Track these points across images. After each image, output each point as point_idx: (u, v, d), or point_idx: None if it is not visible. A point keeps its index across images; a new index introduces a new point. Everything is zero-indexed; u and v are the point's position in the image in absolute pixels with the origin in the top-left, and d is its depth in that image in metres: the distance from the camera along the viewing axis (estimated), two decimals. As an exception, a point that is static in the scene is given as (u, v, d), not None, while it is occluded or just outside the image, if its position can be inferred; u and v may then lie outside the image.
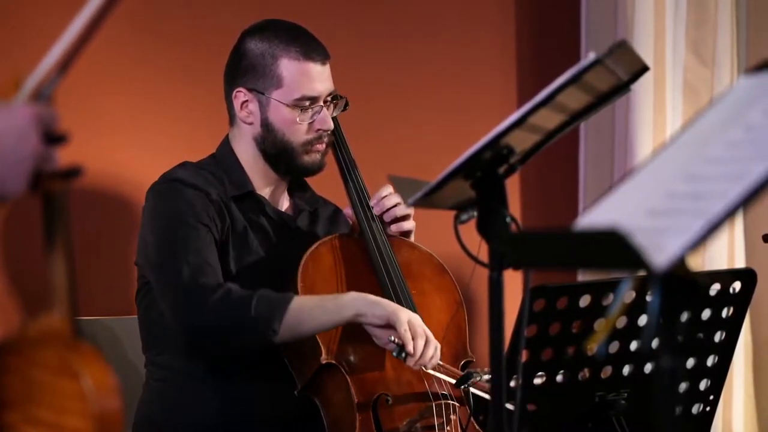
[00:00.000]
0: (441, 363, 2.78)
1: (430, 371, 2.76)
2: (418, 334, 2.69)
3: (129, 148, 3.40)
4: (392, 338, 2.68)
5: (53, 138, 1.56)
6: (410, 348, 2.68)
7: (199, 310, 2.70)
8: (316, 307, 2.71)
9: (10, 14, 3.27)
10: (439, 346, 2.74)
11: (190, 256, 2.75)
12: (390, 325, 2.70)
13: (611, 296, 2.46)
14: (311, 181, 3.07)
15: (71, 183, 1.57)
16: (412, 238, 3.01)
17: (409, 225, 2.99)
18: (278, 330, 2.67)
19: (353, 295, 2.74)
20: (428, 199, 2.00)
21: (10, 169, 1.52)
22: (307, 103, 2.89)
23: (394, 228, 2.98)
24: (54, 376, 1.53)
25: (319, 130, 2.91)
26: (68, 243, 1.57)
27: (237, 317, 2.67)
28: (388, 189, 2.98)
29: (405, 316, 2.70)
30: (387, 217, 2.97)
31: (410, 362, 2.70)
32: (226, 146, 2.98)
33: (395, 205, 2.96)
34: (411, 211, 2.99)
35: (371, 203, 2.96)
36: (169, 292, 2.75)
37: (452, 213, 2.02)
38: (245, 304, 2.68)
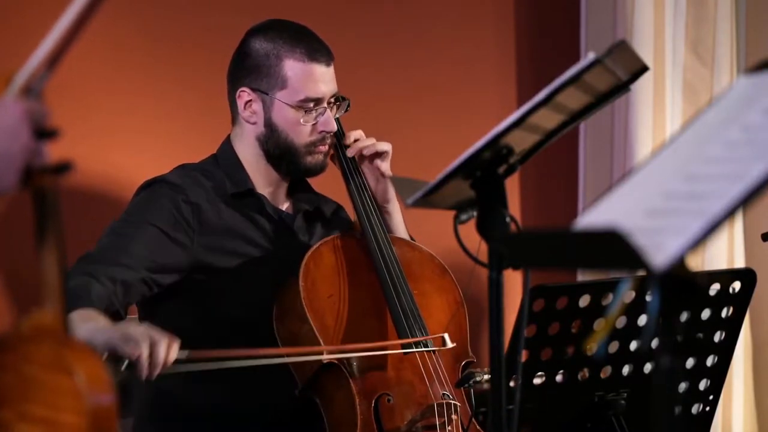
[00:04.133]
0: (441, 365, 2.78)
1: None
2: (135, 342, 2.49)
3: (124, 149, 3.40)
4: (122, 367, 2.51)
5: (43, 133, 1.56)
6: (131, 357, 2.48)
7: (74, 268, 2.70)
8: (78, 327, 2.55)
9: (10, 14, 3.27)
10: (173, 342, 2.53)
11: (105, 249, 2.76)
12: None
13: (611, 296, 2.46)
14: (313, 181, 3.06)
15: (62, 178, 1.57)
16: (389, 189, 2.99)
17: (386, 166, 2.98)
18: None
19: (101, 325, 2.59)
20: (428, 198, 2.00)
21: (0, 165, 1.53)
22: (311, 105, 2.89)
23: (365, 168, 2.97)
24: (47, 372, 1.53)
25: (322, 131, 2.91)
26: (60, 239, 1.57)
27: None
28: (360, 132, 2.98)
29: (120, 333, 2.51)
30: (367, 152, 2.96)
31: (143, 371, 2.49)
32: (227, 145, 2.98)
33: (374, 143, 2.96)
34: (389, 147, 2.98)
35: (345, 143, 2.96)
36: None
37: (452, 213, 2.02)
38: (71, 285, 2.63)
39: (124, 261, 2.75)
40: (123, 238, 2.79)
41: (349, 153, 2.96)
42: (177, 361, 2.54)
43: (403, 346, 2.79)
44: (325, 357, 2.74)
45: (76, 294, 2.64)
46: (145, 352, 2.48)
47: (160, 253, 2.79)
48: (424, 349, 2.80)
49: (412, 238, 3.07)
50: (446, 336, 2.83)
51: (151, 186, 2.89)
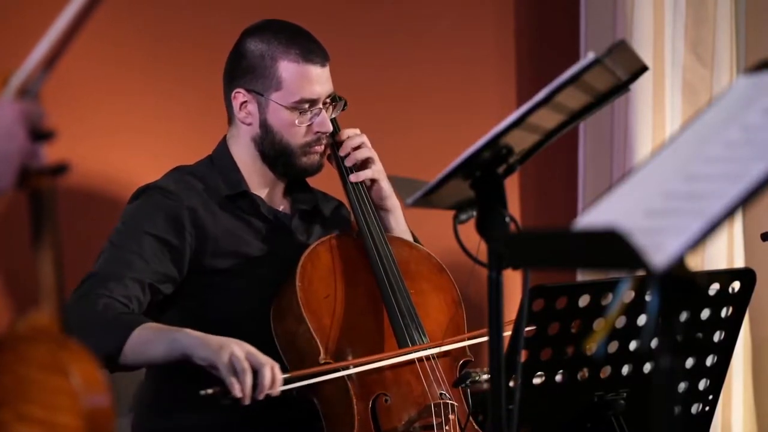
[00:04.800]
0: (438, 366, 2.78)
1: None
2: (239, 370, 2.54)
3: (122, 149, 3.40)
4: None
5: (40, 135, 1.56)
6: (235, 392, 2.53)
7: (72, 307, 2.68)
8: (153, 341, 2.65)
9: (10, 14, 3.27)
10: (276, 366, 2.58)
11: (111, 264, 2.77)
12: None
13: (610, 296, 2.46)
14: (311, 181, 3.06)
15: (58, 179, 1.57)
16: (384, 186, 2.98)
17: (368, 174, 2.95)
18: (118, 355, 2.64)
19: (186, 334, 2.64)
20: (427, 198, 2.00)
21: None
22: (306, 106, 2.89)
23: (352, 178, 2.95)
24: (43, 373, 1.53)
25: (317, 132, 2.91)
26: (56, 240, 1.57)
27: (87, 331, 2.61)
28: (354, 131, 2.97)
29: (226, 355, 2.55)
30: (348, 162, 2.95)
31: (245, 402, 2.55)
32: (222, 147, 2.98)
33: (357, 150, 2.95)
34: (372, 154, 2.96)
35: (339, 139, 2.96)
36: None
37: (451, 213, 2.02)
38: (95, 323, 2.65)
39: (132, 275, 2.76)
40: (125, 253, 2.79)
41: (341, 152, 2.96)
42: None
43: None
44: (322, 357, 2.73)
45: (120, 316, 2.66)
46: (249, 383, 2.54)
47: (159, 263, 2.80)
48: (423, 353, 2.80)
49: (413, 235, 3.07)
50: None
51: (144, 193, 2.89)
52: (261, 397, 2.56)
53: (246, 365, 2.54)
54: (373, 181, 2.97)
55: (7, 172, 1.53)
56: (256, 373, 2.56)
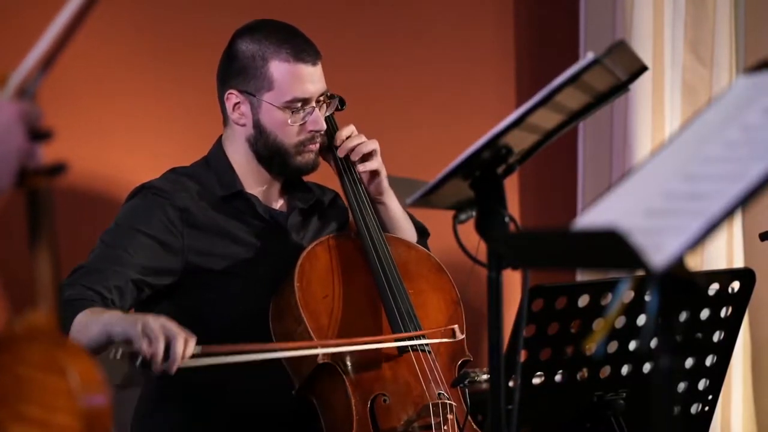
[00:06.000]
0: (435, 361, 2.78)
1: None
2: (152, 337, 2.50)
3: (119, 150, 3.40)
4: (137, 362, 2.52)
5: (38, 135, 1.56)
6: (144, 352, 2.49)
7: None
8: (88, 325, 2.63)
9: (10, 14, 3.27)
10: (192, 339, 2.54)
11: (98, 259, 2.78)
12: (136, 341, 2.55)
13: (610, 296, 2.46)
14: (307, 178, 3.06)
15: (56, 180, 1.57)
16: (383, 179, 2.98)
17: (374, 165, 2.96)
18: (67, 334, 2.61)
19: (112, 313, 2.64)
20: (427, 198, 2.00)
21: None
22: (299, 105, 2.89)
23: (360, 168, 2.96)
24: (41, 372, 1.53)
25: (311, 131, 2.91)
26: (53, 239, 1.57)
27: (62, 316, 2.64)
28: (350, 129, 2.98)
29: (140, 325, 2.52)
30: (354, 156, 2.96)
31: (156, 368, 2.51)
32: (218, 147, 2.99)
33: (359, 144, 2.96)
34: (375, 146, 2.97)
35: (335, 143, 2.96)
36: None
37: (451, 213, 2.02)
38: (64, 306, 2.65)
39: (115, 268, 2.77)
40: (113, 249, 2.81)
41: (340, 153, 2.96)
42: (192, 356, 2.54)
43: (399, 341, 2.78)
44: (320, 351, 2.73)
45: (74, 303, 2.67)
46: (161, 349, 2.49)
47: (150, 259, 2.81)
48: (417, 342, 2.79)
49: (416, 221, 3.06)
50: (456, 327, 2.84)
51: (138, 193, 2.90)
52: (173, 368, 2.51)
53: (159, 333, 2.50)
54: (376, 173, 2.97)
55: (6, 172, 1.53)
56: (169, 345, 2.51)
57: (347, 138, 2.97)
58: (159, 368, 2.50)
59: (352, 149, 2.96)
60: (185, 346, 2.52)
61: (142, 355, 2.50)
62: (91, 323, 2.63)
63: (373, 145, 2.97)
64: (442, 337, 2.83)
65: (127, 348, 2.53)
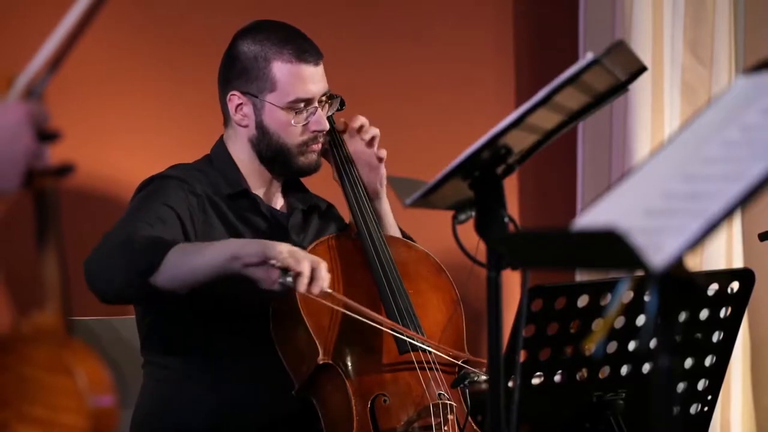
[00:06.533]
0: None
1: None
2: (300, 258, 2.55)
3: (122, 149, 3.40)
4: (279, 279, 2.55)
5: (45, 135, 1.56)
6: (296, 269, 2.53)
7: (97, 249, 2.69)
8: (193, 252, 2.63)
9: (10, 14, 3.27)
10: (326, 267, 2.58)
11: (123, 223, 2.73)
12: (270, 264, 2.56)
13: (609, 296, 2.46)
14: (308, 180, 3.06)
15: (63, 180, 1.57)
16: (384, 173, 3.01)
17: (383, 153, 2.99)
18: (157, 267, 2.58)
19: (229, 240, 2.69)
20: (426, 199, 2.00)
21: (3, 167, 1.53)
22: (302, 105, 2.89)
23: (381, 153, 2.99)
24: (47, 373, 1.53)
25: (314, 131, 2.91)
26: (60, 240, 1.57)
27: (121, 252, 2.62)
28: (359, 120, 2.99)
29: (283, 246, 2.57)
30: (364, 135, 2.98)
31: (301, 287, 2.54)
32: (220, 146, 2.98)
33: (373, 138, 2.99)
34: (376, 132, 2.99)
35: (343, 137, 2.99)
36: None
37: (450, 213, 2.02)
38: (130, 241, 2.63)
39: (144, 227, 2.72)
40: (134, 220, 2.74)
41: (339, 127, 2.97)
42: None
43: (397, 333, 2.79)
44: (321, 358, 2.73)
45: (161, 238, 2.63)
46: (308, 269, 2.53)
47: (173, 233, 2.77)
48: (413, 338, 2.79)
49: (403, 232, 3.07)
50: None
51: (155, 180, 2.87)
52: (318, 289, 2.55)
53: (303, 255, 2.56)
54: (380, 160, 2.99)
55: (14, 173, 1.54)
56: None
57: (361, 126, 2.99)
58: (304, 288, 2.54)
59: (363, 131, 2.97)
60: (326, 275, 2.57)
61: (293, 269, 2.53)
62: (197, 251, 2.62)
63: (375, 131, 3.00)
64: (446, 352, 2.83)
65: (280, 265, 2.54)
